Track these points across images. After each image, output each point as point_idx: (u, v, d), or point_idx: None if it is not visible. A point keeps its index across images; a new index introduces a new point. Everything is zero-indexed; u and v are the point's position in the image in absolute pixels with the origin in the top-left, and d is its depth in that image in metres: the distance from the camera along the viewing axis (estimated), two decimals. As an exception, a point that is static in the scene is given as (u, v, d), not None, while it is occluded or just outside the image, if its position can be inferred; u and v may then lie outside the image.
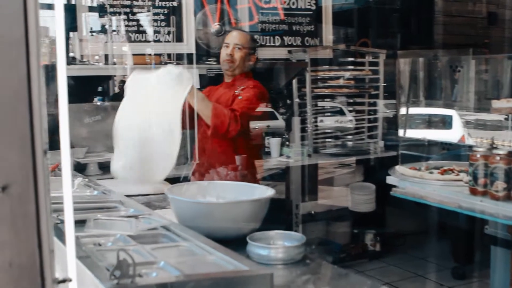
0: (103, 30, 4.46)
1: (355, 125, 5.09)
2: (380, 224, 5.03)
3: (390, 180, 3.22)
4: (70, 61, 4.38)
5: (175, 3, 4.56)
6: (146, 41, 4.51)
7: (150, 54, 4.44)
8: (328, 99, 4.98)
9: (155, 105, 2.52)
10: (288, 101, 4.99)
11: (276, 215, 4.45)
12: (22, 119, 0.96)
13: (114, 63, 4.42)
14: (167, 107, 2.49)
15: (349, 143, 5.10)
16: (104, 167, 4.27)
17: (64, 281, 1.12)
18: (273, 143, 4.79)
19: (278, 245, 1.95)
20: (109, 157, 4.23)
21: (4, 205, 0.96)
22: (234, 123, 2.87)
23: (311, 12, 5.15)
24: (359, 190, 4.98)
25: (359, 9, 5.76)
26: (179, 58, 4.51)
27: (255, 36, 4.81)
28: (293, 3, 5.07)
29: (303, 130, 4.87)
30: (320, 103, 4.97)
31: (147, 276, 1.41)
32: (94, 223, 1.87)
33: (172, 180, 3.53)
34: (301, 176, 4.65)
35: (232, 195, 2.32)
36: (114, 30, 4.47)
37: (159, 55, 4.41)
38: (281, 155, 4.78)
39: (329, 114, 5.02)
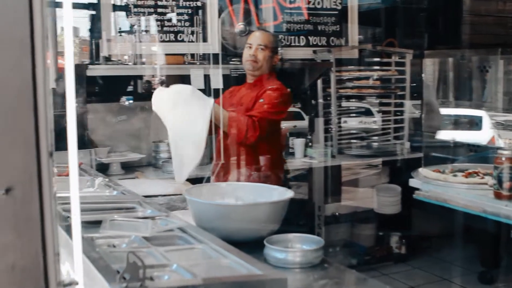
0: (130, 30, 4.48)
1: (381, 126, 5.02)
2: (405, 227, 4.95)
3: (413, 182, 3.16)
4: (101, 61, 4.41)
5: (199, 3, 4.56)
6: (170, 41, 4.51)
7: (176, 54, 4.45)
8: (353, 100, 4.92)
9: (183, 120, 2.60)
10: (313, 102, 4.94)
11: (299, 217, 4.44)
12: (26, 120, 0.95)
13: (141, 63, 4.43)
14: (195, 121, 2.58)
15: (375, 144, 5.04)
16: (127, 167, 4.29)
17: (70, 284, 1.11)
18: (297, 144, 4.76)
19: (296, 248, 1.92)
20: (132, 157, 4.28)
21: (8, 207, 0.95)
22: (252, 130, 2.83)
23: (336, 12, 5.10)
24: (384, 192, 4.91)
25: (386, 9, 5.68)
26: (202, 58, 4.50)
27: (279, 36, 4.80)
28: (318, 3, 5.02)
29: (328, 131, 4.83)
30: (345, 104, 4.92)
31: (159, 279, 1.39)
32: (110, 224, 1.86)
33: (195, 180, 3.53)
34: (325, 177, 4.61)
35: (251, 196, 2.30)
36: (141, 31, 4.48)
37: (183, 55, 4.41)
38: (305, 156, 4.74)
39: (354, 114, 4.96)
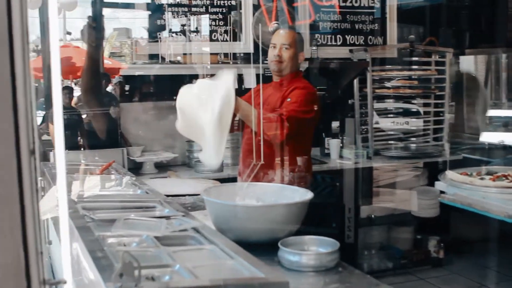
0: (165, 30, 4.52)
1: (420, 127, 4.90)
2: (444, 230, 4.83)
3: (438, 185, 3.06)
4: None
5: (233, 2, 4.55)
6: (203, 40, 4.52)
7: (212, 54, 4.46)
8: (390, 100, 4.82)
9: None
10: (350, 102, 4.87)
11: (332, 219, 4.37)
12: (4, 119, 0.94)
13: (178, 62, 4.46)
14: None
15: (413, 146, 4.92)
16: (160, 166, 4.32)
17: (58, 282, 1.10)
18: (333, 144, 4.70)
19: (312, 251, 1.88)
20: (165, 156, 4.30)
21: (-12, 205, 0.95)
22: (281, 129, 2.80)
23: (374, 10, 5.01)
24: (422, 195, 4.79)
25: (427, 7, 5.54)
26: (235, 58, 4.49)
27: (315, 35, 4.75)
28: (356, 1, 4.95)
29: (364, 131, 4.75)
30: (382, 104, 4.82)
31: (159, 279, 1.37)
32: (123, 223, 1.86)
33: (223, 181, 3.52)
34: (361, 178, 4.53)
35: (273, 197, 2.27)
36: (177, 31, 4.51)
37: (216, 54, 4.41)
38: (340, 156, 4.68)
39: (391, 115, 4.86)
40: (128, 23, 5.33)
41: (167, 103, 4.62)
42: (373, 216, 4.66)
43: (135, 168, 4.20)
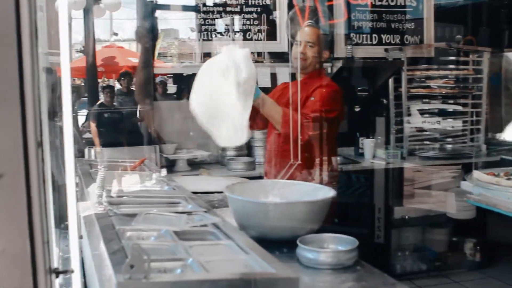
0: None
1: (456, 127, 4.81)
2: (480, 233, 4.73)
3: (464, 185, 3.00)
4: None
5: (268, 1, 4.57)
6: (240, 39, 4.54)
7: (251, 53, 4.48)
8: (426, 100, 4.75)
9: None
10: (385, 101, 4.82)
11: (364, 218, 4.35)
12: (12, 111, 0.97)
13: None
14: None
15: (449, 146, 4.84)
16: (193, 164, 4.38)
17: (65, 271, 1.13)
18: (367, 144, 4.66)
19: (331, 249, 1.87)
20: (198, 154, 4.35)
21: (-3, 194, 0.98)
22: (306, 129, 2.78)
23: (411, 9, 4.96)
24: (458, 196, 4.70)
25: (465, 6, 5.45)
26: (271, 57, 4.51)
27: (351, 34, 4.72)
28: (392, 0, 4.90)
29: (399, 131, 4.70)
30: (417, 104, 4.76)
31: (171, 272, 1.40)
32: (143, 217, 1.89)
33: (255, 179, 3.51)
34: (394, 179, 4.49)
35: (296, 195, 2.27)
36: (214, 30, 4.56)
37: (251, 53, 4.43)
38: (375, 156, 4.64)
39: (427, 115, 4.79)
40: (172, 24, 5.40)
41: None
42: (407, 217, 4.60)
43: (169, 166, 4.26)
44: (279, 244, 1.97)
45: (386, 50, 4.80)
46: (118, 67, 12.24)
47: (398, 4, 4.91)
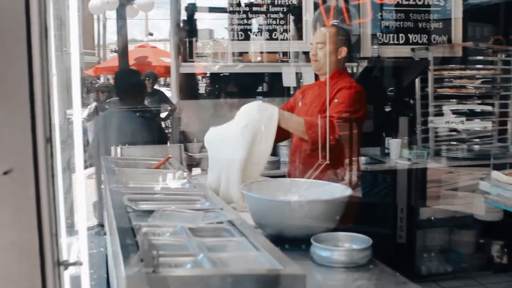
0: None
1: (483, 128, 4.75)
2: (508, 235, 4.66)
3: (482, 185, 2.97)
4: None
5: (294, 1, 4.58)
6: (266, 39, 4.57)
7: (270, 53, 4.51)
8: (453, 100, 4.69)
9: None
10: (411, 101, 4.79)
11: (388, 219, 4.32)
12: (22, 108, 1.01)
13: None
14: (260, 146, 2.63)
15: (476, 147, 4.78)
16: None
17: (75, 264, 1.17)
18: (393, 144, 4.63)
19: (345, 247, 1.88)
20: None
21: (7, 187, 1.02)
22: (332, 132, 2.78)
23: (439, 9, 4.91)
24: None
25: (494, 5, 5.36)
26: (296, 57, 4.52)
27: (377, 34, 4.70)
28: (420, 0, 4.86)
29: (425, 131, 4.66)
30: (444, 104, 4.71)
31: (181, 267, 1.42)
32: (160, 214, 1.93)
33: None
34: (420, 179, 4.45)
35: (314, 193, 2.28)
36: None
37: (275, 53, 4.45)
38: (400, 157, 4.61)
39: (454, 115, 4.73)
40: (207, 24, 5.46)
41: (231, 101, 4.73)
42: (433, 218, 4.56)
43: (194, 164, 4.30)
44: (297, 242, 1.98)
45: (412, 49, 4.76)
46: (151, 66, 12.37)
47: (426, 3, 4.87)
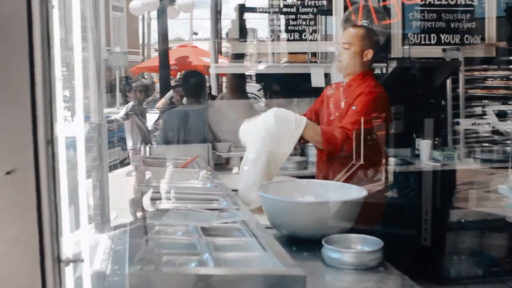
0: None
1: (516, 129, 4.67)
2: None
3: (501, 189, 2.92)
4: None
5: (324, 2, 4.58)
6: (294, 39, 4.59)
7: (300, 53, 4.54)
8: (485, 101, 4.62)
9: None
10: (443, 102, 4.73)
11: (414, 221, 4.29)
12: (24, 111, 1.06)
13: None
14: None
15: (508, 149, 4.69)
16: (247, 162, 4.44)
17: (75, 261, 1.22)
18: (423, 145, 4.59)
19: (356, 249, 1.89)
20: (251, 153, 4.41)
21: (9, 187, 1.07)
22: (347, 143, 2.76)
23: (472, 8, 4.84)
24: (519, 200, 4.56)
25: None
26: (325, 57, 4.53)
27: (409, 34, 4.66)
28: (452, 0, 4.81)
29: (455, 133, 4.60)
30: (475, 105, 4.64)
31: (186, 266, 1.46)
32: (175, 213, 1.97)
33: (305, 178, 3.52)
34: (450, 181, 4.40)
35: (330, 195, 2.30)
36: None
37: (304, 53, 4.47)
38: (430, 158, 4.56)
39: (485, 116, 4.66)
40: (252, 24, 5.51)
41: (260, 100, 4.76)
42: (463, 220, 4.50)
43: (223, 163, 4.35)
44: (311, 243, 2.00)
45: (444, 50, 4.71)
46: (191, 66, 12.51)
47: (458, 3, 4.81)
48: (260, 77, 5.68)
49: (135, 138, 8.46)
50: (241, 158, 4.34)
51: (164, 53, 10.75)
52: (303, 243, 2.07)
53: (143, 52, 29.32)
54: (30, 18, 1.04)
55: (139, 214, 2.37)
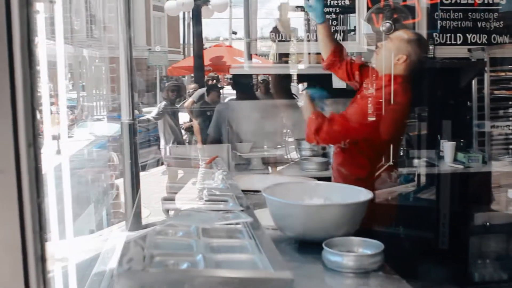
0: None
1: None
2: None
3: (510, 194, 2.85)
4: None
5: (347, 2, 4.56)
6: (316, 40, 4.56)
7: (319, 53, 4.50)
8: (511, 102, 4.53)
9: None
10: (468, 103, 4.65)
11: (438, 223, 4.23)
12: (4, 115, 1.09)
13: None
14: None
15: (536, 152, 4.60)
16: (268, 163, 4.45)
17: (61, 259, 1.25)
18: (447, 147, 4.52)
19: (356, 252, 1.89)
20: (271, 154, 4.43)
21: (-8, 188, 1.10)
22: (326, 131, 2.78)
23: (500, 7, 4.74)
24: (547, 204, 4.46)
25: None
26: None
27: (434, 35, 4.60)
28: (479, -1, 4.72)
29: (481, 134, 4.52)
30: (501, 106, 4.55)
31: (177, 266, 1.48)
32: (180, 214, 2.00)
33: (326, 179, 3.52)
34: (474, 183, 4.33)
35: (339, 197, 2.29)
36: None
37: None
38: (455, 160, 4.49)
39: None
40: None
41: (282, 101, 4.76)
42: (487, 223, 4.42)
43: (244, 164, 4.37)
44: (317, 246, 2.00)
45: (469, 50, 4.63)
46: (226, 66, 12.56)
47: (486, 2, 4.72)
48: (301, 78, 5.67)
49: (168, 138, 8.57)
50: (262, 158, 4.39)
51: (198, 53, 10.83)
52: (309, 245, 2.07)
53: (184, 51, 29.60)
54: (9, 22, 1.07)
55: (171, 212, 2.41)
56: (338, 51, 3.26)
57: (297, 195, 2.31)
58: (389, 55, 2.96)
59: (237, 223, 1.96)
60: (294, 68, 4.78)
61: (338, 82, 4.29)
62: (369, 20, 4.36)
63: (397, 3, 4.16)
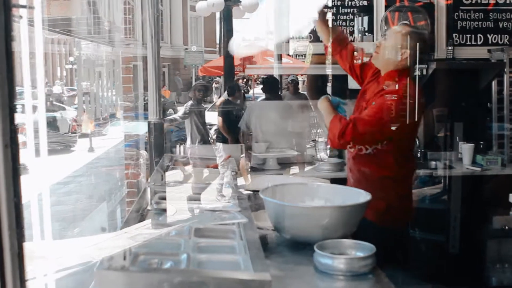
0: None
1: None
2: None
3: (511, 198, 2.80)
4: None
5: (365, 3, 4.54)
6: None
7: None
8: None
9: None
10: (488, 105, 4.59)
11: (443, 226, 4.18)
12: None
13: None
14: None
15: (557, 154, 4.50)
16: (284, 163, 4.46)
17: (41, 257, 1.28)
18: (465, 149, 4.47)
19: (348, 255, 1.89)
20: (287, 154, 4.43)
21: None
22: (350, 134, 2.71)
23: (522, 7, 4.66)
24: None
25: None
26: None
27: (454, 35, 4.55)
28: (501, -1, 4.65)
29: (500, 137, 4.45)
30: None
31: (161, 265, 1.51)
32: (176, 213, 2.03)
33: (340, 181, 3.51)
34: (492, 186, 4.27)
35: (340, 199, 2.29)
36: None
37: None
38: (473, 162, 4.43)
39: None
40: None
41: (300, 102, 4.77)
42: (506, 227, 4.35)
43: (260, 164, 4.39)
44: (311, 247, 2.00)
45: (489, 51, 4.56)
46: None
47: (507, 2, 4.64)
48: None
49: (194, 137, 8.67)
50: (278, 159, 4.40)
51: (229, 53, 10.86)
52: (305, 247, 2.07)
53: (220, 51, 29.78)
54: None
55: (196, 211, 2.45)
56: (338, 39, 3.26)
57: (298, 197, 2.32)
58: (390, 52, 2.94)
59: (232, 223, 1.99)
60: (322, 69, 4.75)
61: (352, 83, 4.28)
62: (386, 20, 4.34)
63: (413, 3, 4.12)
